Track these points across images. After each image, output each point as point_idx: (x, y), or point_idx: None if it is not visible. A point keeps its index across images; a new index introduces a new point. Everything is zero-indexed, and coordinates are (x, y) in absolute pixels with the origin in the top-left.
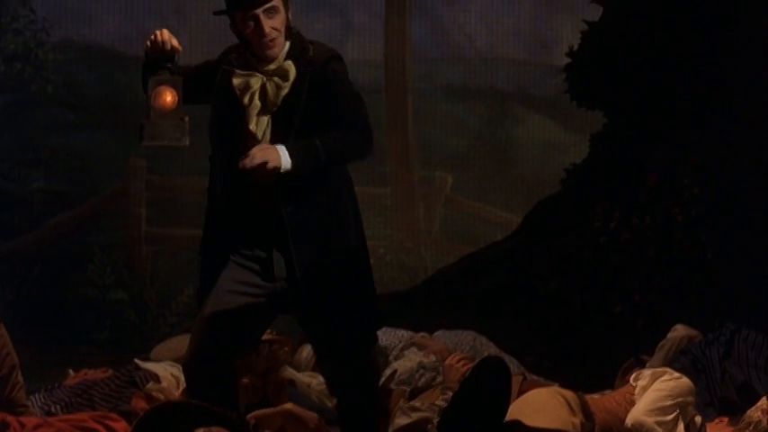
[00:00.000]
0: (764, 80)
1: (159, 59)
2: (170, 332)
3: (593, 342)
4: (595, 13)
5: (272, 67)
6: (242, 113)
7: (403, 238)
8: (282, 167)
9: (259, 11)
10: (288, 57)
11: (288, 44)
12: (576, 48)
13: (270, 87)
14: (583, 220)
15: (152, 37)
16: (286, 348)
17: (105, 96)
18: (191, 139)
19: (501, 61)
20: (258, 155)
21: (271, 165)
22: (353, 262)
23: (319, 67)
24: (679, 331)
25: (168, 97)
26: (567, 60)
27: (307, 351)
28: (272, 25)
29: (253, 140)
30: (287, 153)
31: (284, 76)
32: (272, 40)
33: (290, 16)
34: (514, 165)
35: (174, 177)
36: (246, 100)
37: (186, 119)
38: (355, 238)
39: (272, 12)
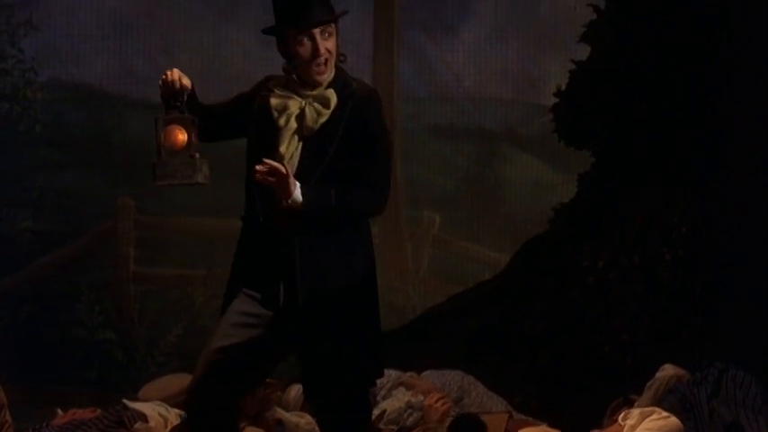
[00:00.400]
0: (753, 121)
1: (169, 98)
2: (158, 372)
3: (581, 381)
4: (583, 52)
5: (313, 92)
6: (276, 135)
7: (391, 278)
8: (292, 199)
9: (317, 30)
10: (330, 85)
11: (333, 73)
12: (563, 87)
13: (309, 112)
14: (571, 259)
15: (163, 76)
16: (279, 393)
17: (93, 136)
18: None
19: (489, 101)
20: (278, 169)
21: (281, 190)
22: (360, 301)
23: (361, 103)
24: (667, 371)
25: (178, 136)
26: (554, 100)
27: (295, 390)
28: (327, 47)
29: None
30: (299, 189)
31: (325, 104)
32: (325, 62)
33: (338, 42)
34: (502, 204)
35: (162, 217)
36: (282, 121)
37: (197, 155)
38: (365, 277)
39: (328, 34)
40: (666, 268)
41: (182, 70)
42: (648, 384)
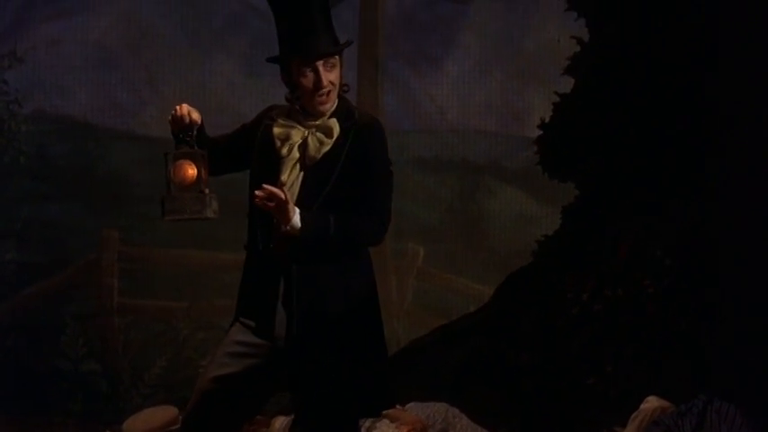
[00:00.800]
0: (737, 154)
1: (179, 133)
2: (143, 403)
3: (566, 413)
4: (567, 85)
5: (316, 122)
6: (278, 164)
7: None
8: (291, 226)
9: (320, 62)
10: (333, 115)
11: (335, 103)
12: (547, 120)
13: (312, 141)
14: (555, 291)
15: (172, 111)
16: (264, 429)
17: (78, 168)
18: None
19: (473, 133)
20: (277, 195)
21: (280, 216)
22: (360, 329)
23: (362, 132)
24: (651, 402)
25: (188, 171)
26: (538, 132)
27: (279, 422)
28: (330, 79)
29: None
30: (298, 215)
31: (328, 133)
32: (328, 93)
33: (342, 74)
34: (486, 237)
35: (146, 248)
36: (285, 151)
37: (207, 191)
38: (365, 305)
39: (331, 65)
40: (650, 300)
41: (166, 103)
42: (633, 416)
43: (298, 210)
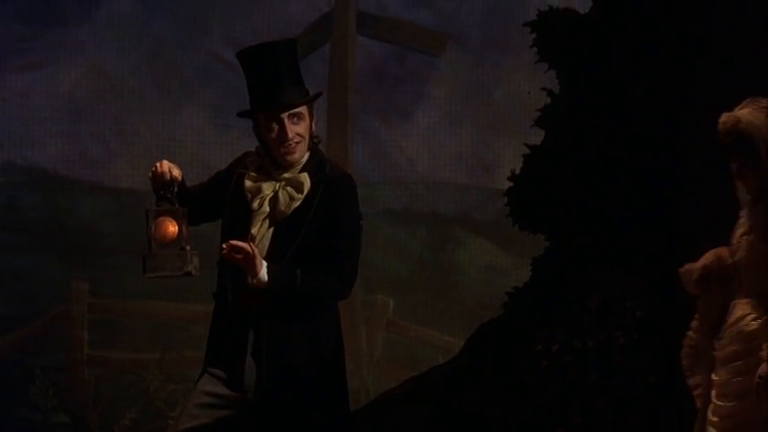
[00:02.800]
0: (708, 206)
1: (159, 189)
2: None
3: None
4: (538, 136)
5: (287, 175)
6: (249, 217)
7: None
8: (257, 279)
9: (284, 115)
10: (304, 168)
11: (307, 155)
12: (517, 171)
13: (282, 196)
14: (525, 343)
15: (152, 168)
16: None
17: (47, 219)
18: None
19: (443, 185)
20: (243, 249)
21: (247, 269)
22: (327, 384)
23: (333, 186)
24: None
25: (169, 228)
26: (508, 184)
27: None
28: (297, 131)
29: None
30: (265, 268)
31: (299, 188)
32: (295, 144)
33: (313, 125)
34: (456, 288)
35: (116, 300)
36: (256, 204)
37: (188, 247)
38: (332, 360)
39: (297, 118)
40: (620, 352)
41: (136, 155)
42: None
43: (265, 263)
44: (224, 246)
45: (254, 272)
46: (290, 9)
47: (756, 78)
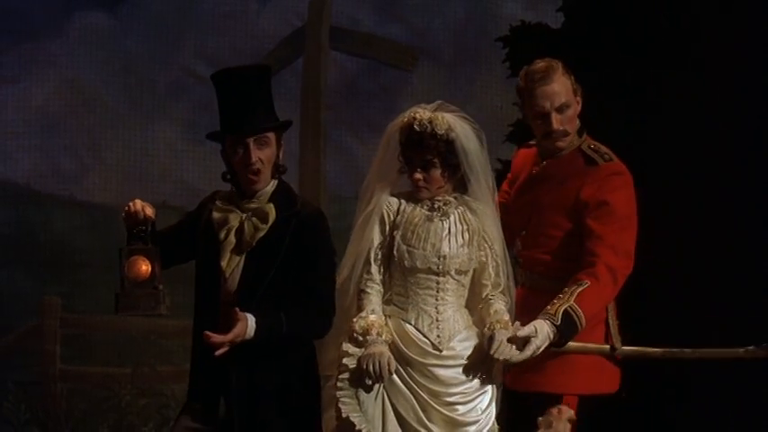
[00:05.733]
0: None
1: (132, 228)
2: None
3: None
4: (509, 151)
5: (252, 205)
6: (218, 250)
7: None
8: (247, 334)
9: (250, 139)
10: (271, 199)
11: (274, 185)
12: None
13: (247, 227)
14: None
15: (126, 207)
16: None
17: (20, 234)
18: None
19: None
20: (235, 332)
21: (239, 339)
22: (302, 420)
23: (306, 223)
24: None
25: (142, 267)
26: None
27: None
28: (260, 156)
29: (222, 279)
30: (254, 325)
31: (263, 218)
32: (258, 171)
33: (280, 155)
34: None
35: (88, 315)
36: (222, 235)
37: (161, 287)
38: (307, 396)
39: (262, 143)
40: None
41: (108, 169)
42: None
43: (250, 317)
44: (216, 354)
45: (244, 334)
46: (262, 24)
47: (732, 94)
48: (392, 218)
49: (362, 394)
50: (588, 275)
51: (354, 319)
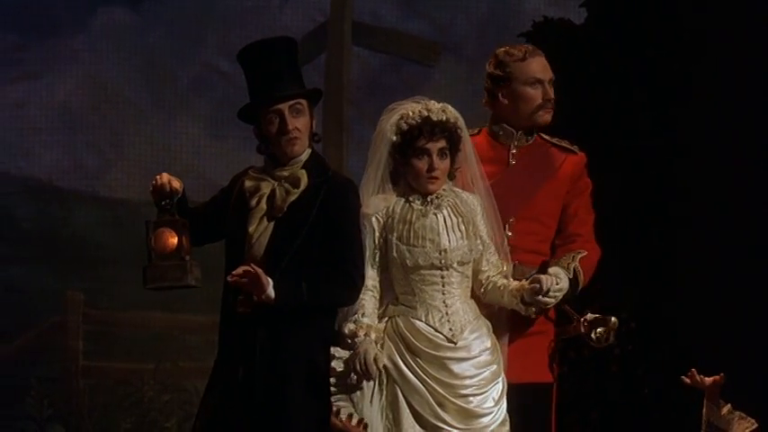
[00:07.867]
0: (701, 218)
1: (160, 202)
2: None
3: None
4: None
5: (285, 173)
6: (248, 217)
7: None
8: (265, 296)
9: (284, 106)
10: (304, 166)
11: (308, 153)
12: None
13: (279, 192)
14: None
15: (153, 180)
16: None
17: (42, 230)
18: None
19: None
20: (248, 272)
21: (254, 290)
22: (319, 393)
23: (336, 190)
24: None
25: (169, 239)
26: None
27: None
28: (296, 125)
29: (249, 245)
30: (272, 287)
31: (295, 183)
32: (294, 138)
33: (313, 124)
34: None
35: (111, 311)
36: (254, 202)
37: (188, 258)
38: (326, 369)
39: (297, 112)
40: (615, 362)
41: (131, 165)
42: None
43: (271, 281)
44: (228, 278)
45: (261, 291)
46: (285, 20)
47: (751, 84)
48: (381, 221)
49: (356, 396)
50: (582, 247)
51: (344, 323)
